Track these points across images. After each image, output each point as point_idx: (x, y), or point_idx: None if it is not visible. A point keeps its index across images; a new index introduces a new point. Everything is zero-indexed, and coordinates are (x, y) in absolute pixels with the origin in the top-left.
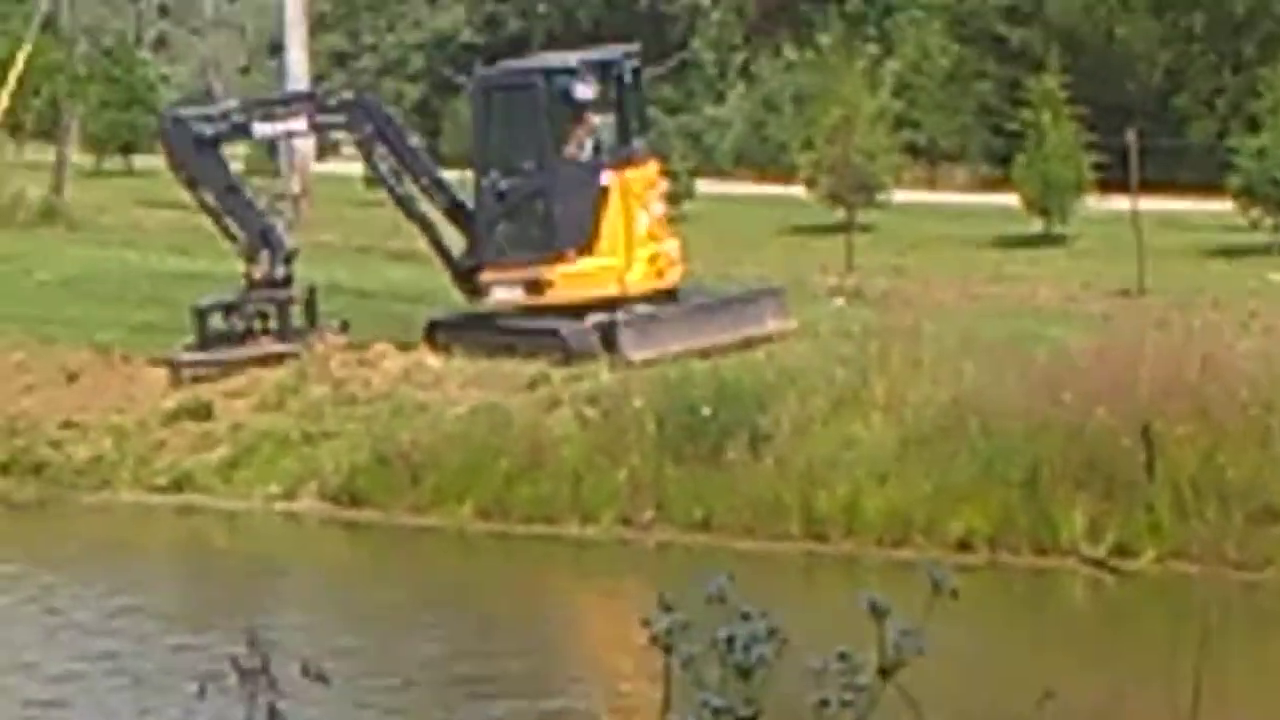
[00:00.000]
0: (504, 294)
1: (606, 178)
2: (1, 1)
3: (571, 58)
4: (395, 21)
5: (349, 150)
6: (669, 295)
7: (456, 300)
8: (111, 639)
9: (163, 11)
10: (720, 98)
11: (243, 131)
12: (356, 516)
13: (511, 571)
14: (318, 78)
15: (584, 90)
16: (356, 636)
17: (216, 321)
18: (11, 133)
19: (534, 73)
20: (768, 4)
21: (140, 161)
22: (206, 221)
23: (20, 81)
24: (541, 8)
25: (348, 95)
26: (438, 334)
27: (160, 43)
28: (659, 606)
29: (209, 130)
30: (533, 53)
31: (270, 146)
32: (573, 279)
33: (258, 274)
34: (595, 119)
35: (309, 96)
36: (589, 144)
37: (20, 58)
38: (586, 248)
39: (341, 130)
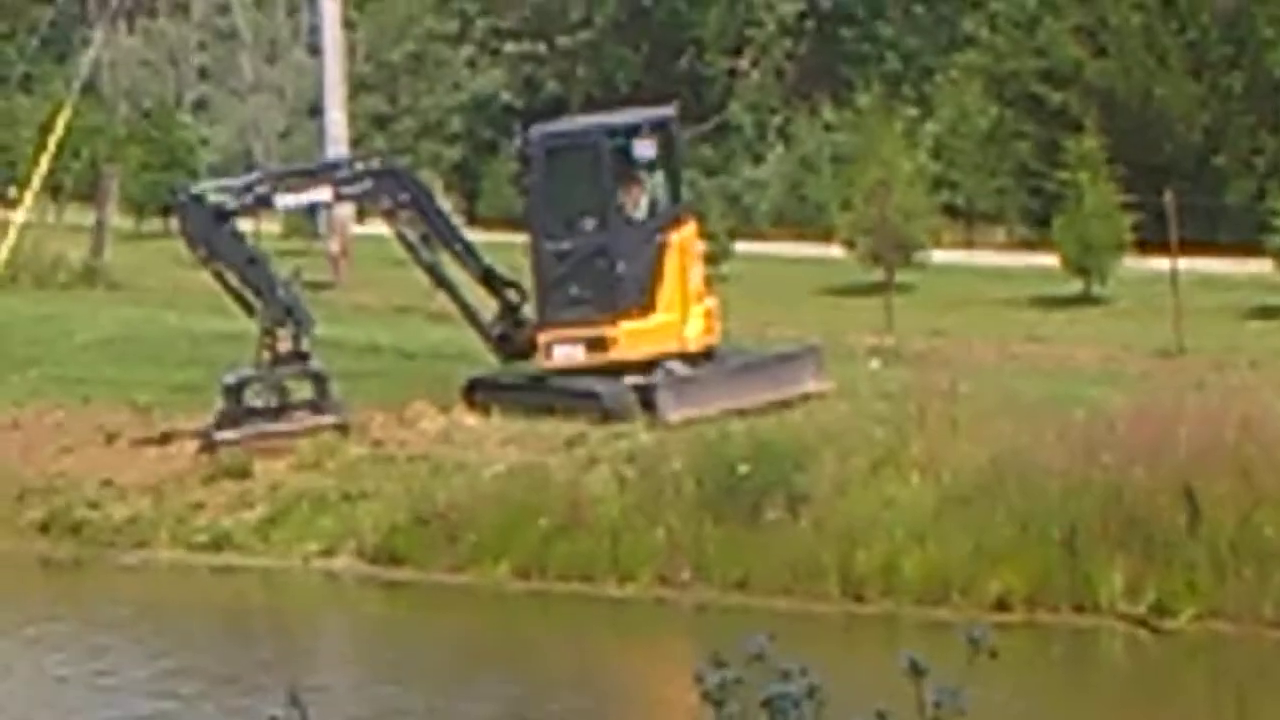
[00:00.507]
0: (565, 353)
1: (665, 236)
2: (42, 64)
3: (629, 116)
4: (434, 84)
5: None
6: (706, 355)
7: (494, 361)
8: (161, 700)
9: (202, 74)
10: (759, 159)
11: (265, 203)
12: (394, 576)
13: (551, 631)
14: (357, 140)
15: (644, 149)
16: (408, 696)
17: (249, 396)
18: (52, 195)
19: (597, 131)
20: (806, 66)
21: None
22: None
23: (60, 144)
24: (580, 70)
25: (374, 163)
26: (476, 394)
27: (200, 105)
28: (710, 663)
29: (231, 203)
30: (571, 115)
31: (311, 208)
32: (636, 336)
33: (283, 347)
34: (649, 178)
35: (333, 166)
36: (644, 202)
37: (61, 120)
38: (648, 306)
39: (366, 199)
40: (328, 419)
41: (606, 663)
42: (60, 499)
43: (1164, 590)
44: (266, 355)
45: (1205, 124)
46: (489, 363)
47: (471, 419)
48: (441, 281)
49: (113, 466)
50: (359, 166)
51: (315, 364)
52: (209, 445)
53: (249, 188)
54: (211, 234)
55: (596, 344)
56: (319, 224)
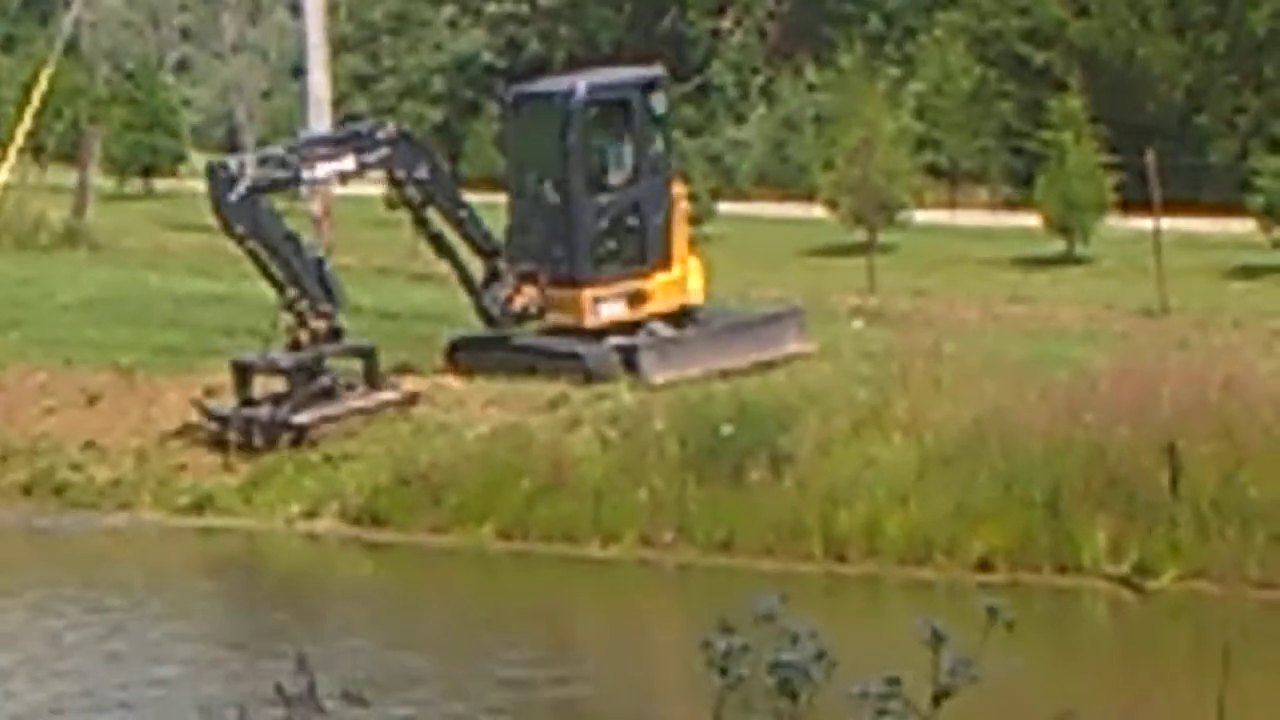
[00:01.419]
0: (609, 310)
1: (675, 191)
2: (24, 25)
3: (644, 72)
4: (416, 44)
5: (370, 173)
6: (688, 315)
7: (476, 321)
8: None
9: (185, 35)
10: (741, 119)
11: (297, 179)
12: (377, 537)
13: (536, 593)
14: (339, 100)
15: (660, 104)
16: (417, 661)
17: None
18: (34, 156)
19: (628, 87)
20: (788, 26)
21: (162, 184)
22: (240, 256)
23: (42, 104)
24: (563, 30)
25: (391, 129)
26: (459, 355)
27: (182, 66)
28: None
29: (265, 178)
30: (554, 75)
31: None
32: (667, 289)
33: (322, 325)
34: (660, 133)
35: (354, 135)
36: (654, 158)
37: (43, 81)
38: (668, 259)
39: (386, 167)
40: (393, 394)
41: (592, 624)
42: (43, 460)
43: (1147, 550)
44: (301, 335)
45: (1188, 83)
46: (471, 323)
47: (454, 380)
48: (443, 248)
49: (95, 428)
50: (379, 134)
51: (363, 340)
52: (297, 431)
53: (282, 161)
54: (250, 210)
55: (636, 298)
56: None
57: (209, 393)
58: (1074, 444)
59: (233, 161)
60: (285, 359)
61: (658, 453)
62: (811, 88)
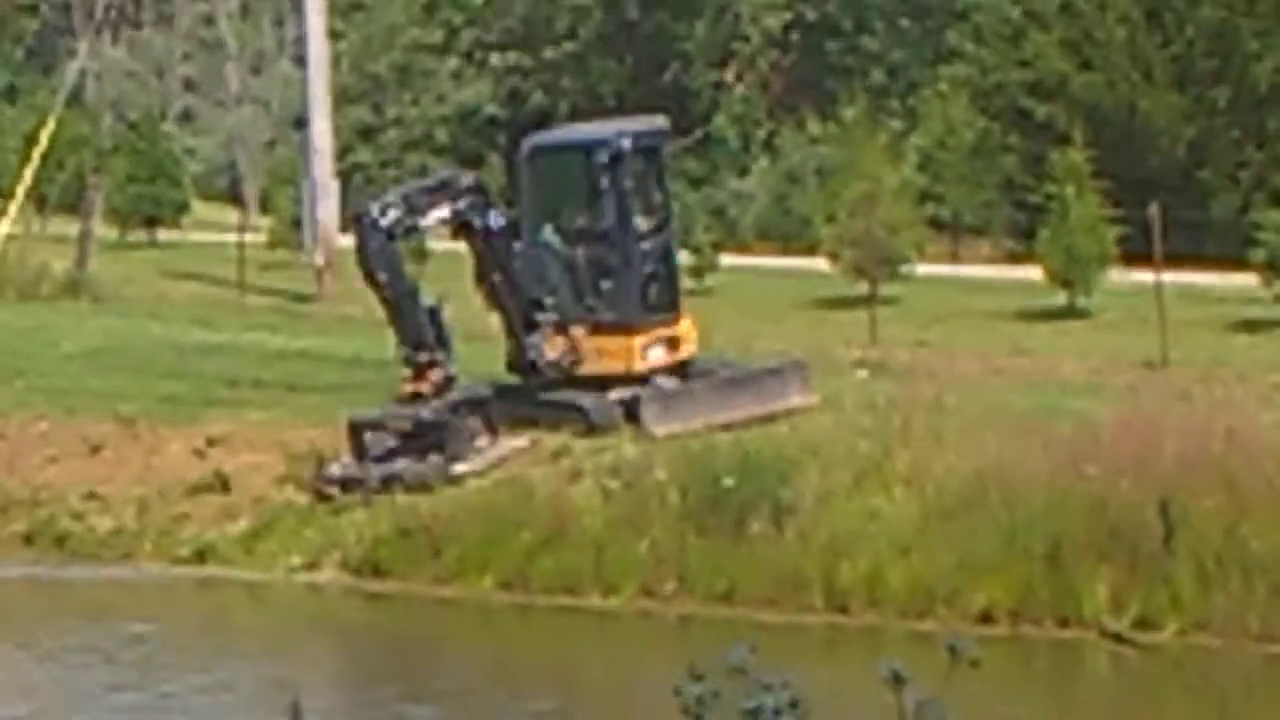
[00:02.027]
0: (654, 356)
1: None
2: (27, 75)
3: (639, 123)
4: (419, 95)
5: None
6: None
7: (478, 373)
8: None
9: (188, 85)
10: (743, 171)
11: (414, 228)
12: (378, 588)
13: (537, 645)
14: (343, 152)
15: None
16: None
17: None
18: (36, 206)
19: (660, 135)
20: (791, 79)
21: (164, 235)
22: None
23: (45, 155)
24: (565, 82)
25: (470, 178)
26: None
27: (185, 116)
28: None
29: (398, 224)
30: (557, 126)
31: (294, 219)
32: (689, 335)
33: (440, 376)
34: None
35: (444, 183)
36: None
37: (45, 131)
38: (679, 306)
39: (469, 215)
40: (520, 442)
41: (592, 676)
42: (44, 510)
43: (1148, 603)
44: (423, 387)
45: (1190, 137)
46: (474, 374)
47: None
48: (499, 300)
49: (97, 478)
50: (463, 181)
51: (479, 388)
52: (452, 480)
53: (410, 207)
54: (389, 257)
55: (672, 344)
56: (304, 235)
57: (294, 459)
58: (1075, 496)
59: (374, 207)
60: (424, 411)
61: (659, 504)
62: (814, 140)
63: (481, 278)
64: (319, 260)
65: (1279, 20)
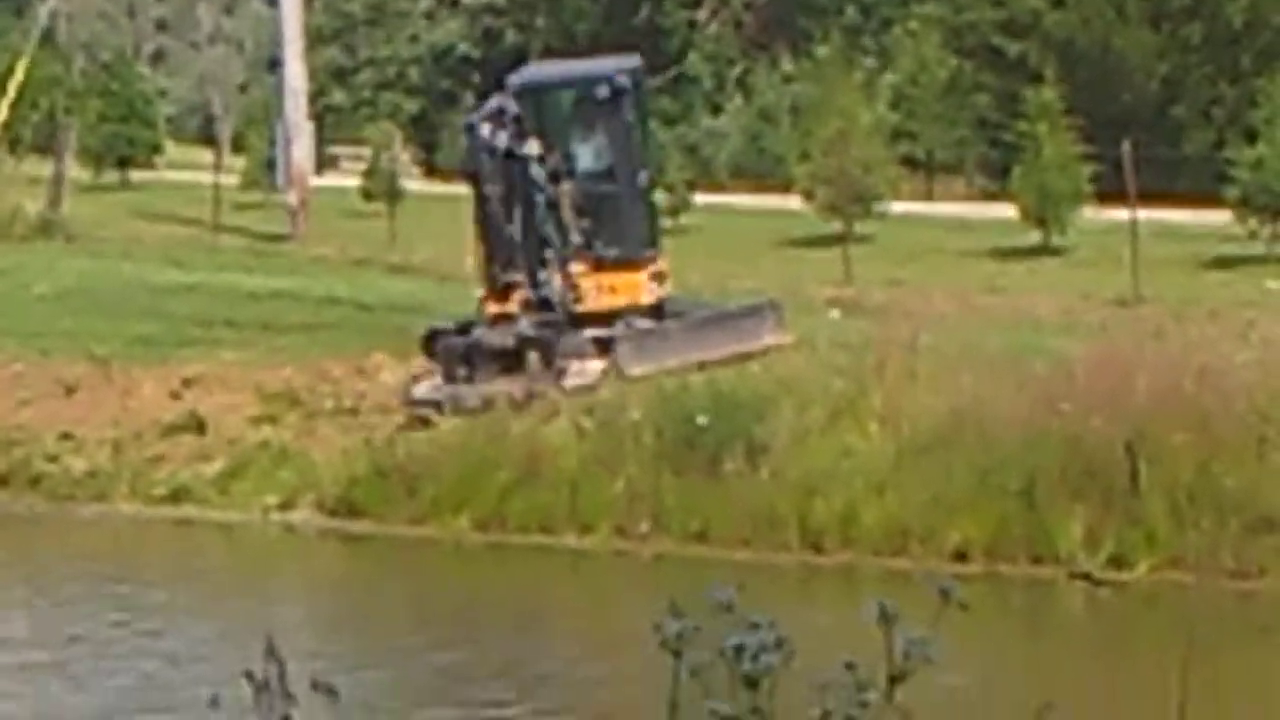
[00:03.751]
0: (651, 289)
1: None
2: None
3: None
4: (392, 35)
5: (347, 165)
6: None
7: (453, 311)
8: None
9: (160, 26)
10: (717, 110)
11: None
12: (354, 528)
13: (512, 584)
14: (317, 92)
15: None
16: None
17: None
18: (10, 147)
19: (643, 73)
20: (765, 17)
21: (137, 175)
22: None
23: (18, 95)
24: (539, 21)
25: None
26: (435, 345)
27: (158, 57)
28: (669, 613)
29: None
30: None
31: (268, 160)
32: (667, 272)
33: (527, 296)
34: None
35: (499, 110)
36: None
37: (18, 72)
38: None
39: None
40: (602, 363)
41: (566, 615)
42: (19, 451)
43: (1122, 541)
44: (514, 306)
45: (1164, 74)
46: (448, 314)
47: (431, 370)
48: (540, 231)
49: (71, 419)
50: (508, 108)
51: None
52: (566, 394)
53: (520, 129)
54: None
55: (660, 278)
56: (277, 175)
57: (268, 398)
58: (1050, 434)
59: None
60: (526, 328)
61: (634, 443)
62: (788, 79)
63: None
64: (292, 200)
65: None
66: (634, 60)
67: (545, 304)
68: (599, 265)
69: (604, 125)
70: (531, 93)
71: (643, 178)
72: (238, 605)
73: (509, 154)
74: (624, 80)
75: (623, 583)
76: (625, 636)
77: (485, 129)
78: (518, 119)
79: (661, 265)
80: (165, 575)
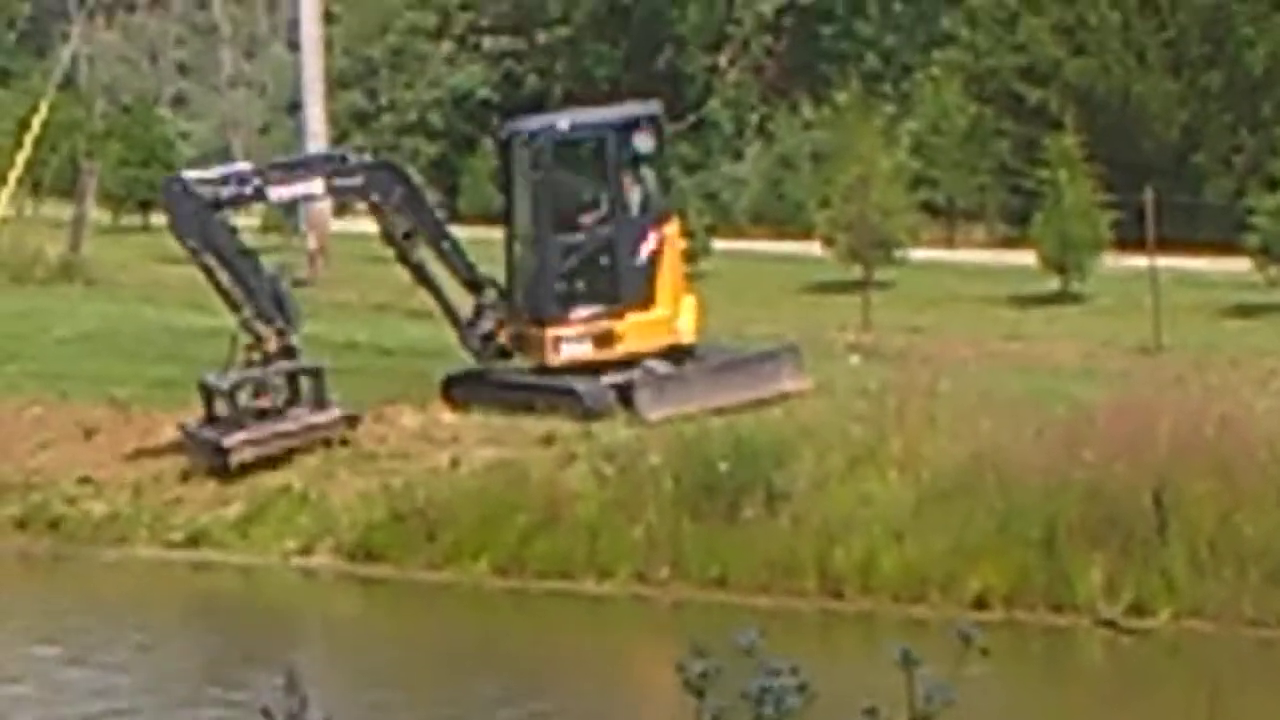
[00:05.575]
0: (571, 350)
1: (661, 229)
2: (21, 59)
3: (625, 110)
4: (413, 79)
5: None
6: (687, 352)
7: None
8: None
9: (181, 69)
10: (737, 156)
11: (259, 195)
12: (372, 573)
13: (531, 630)
14: (339, 136)
15: (644, 143)
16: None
17: (244, 397)
18: (30, 190)
19: (606, 127)
20: (785, 63)
21: (158, 218)
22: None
23: (39, 139)
24: (560, 66)
25: (367, 158)
26: (454, 391)
27: (179, 101)
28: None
29: (224, 194)
30: (552, 110)
31: (291, 203)
32: (641, 330)
33: (274, 345)
34: (644, 172)
35: (326, 159)
36: (637, 197)
37: (39, 115)
38: (649, 300)
39: (358, 194)
40: (334, 414)
41: (586, 661)
42: (38, 495)
43: (1142, 589)
44: (254, 354)
45: (1184, 122)
46: (467, 360)
47: (450, 416)
48: (425, 280)
49: (91, 462)
50: (352, 160)
51: (311, 360)
52: (220, 453)
53: (242, 179)
54: (204, 224)
55: (603, 340)
56: (298, 220)
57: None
58: (1070, 482)
59: (187, 175)
60: (222, 380)
61: (653, 489)
62: (808, 125)
63: (401, 256)
64: (312, 244)
65: (1272, 5)
66: (653, 106)
67: (289, 353)
68: (619, 313)
69: (535, 178)
70: (506, 142)
71: (574, 237)
72: (255, 645)
73: (257, 196)
74: (554, 134)
75: (642, 628)
76: (644, 682)
77: (187, 180)
78: (372, 168)
79: (609, 326)
80: (182, 616)
